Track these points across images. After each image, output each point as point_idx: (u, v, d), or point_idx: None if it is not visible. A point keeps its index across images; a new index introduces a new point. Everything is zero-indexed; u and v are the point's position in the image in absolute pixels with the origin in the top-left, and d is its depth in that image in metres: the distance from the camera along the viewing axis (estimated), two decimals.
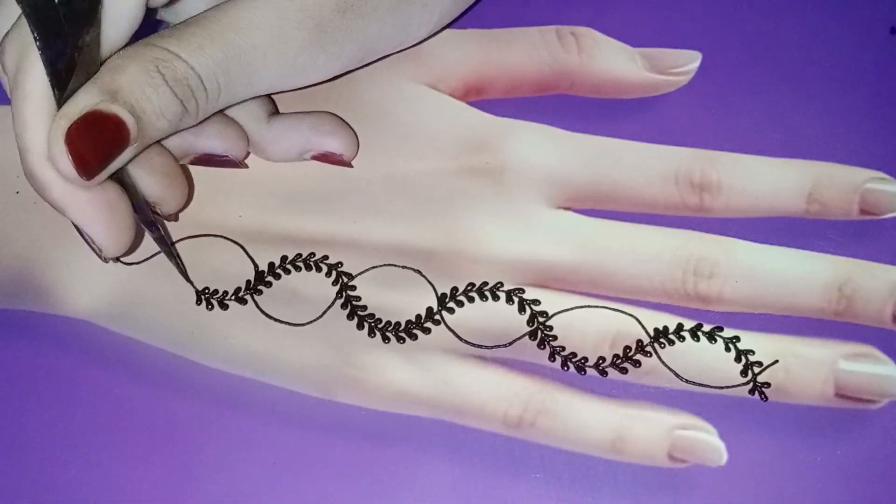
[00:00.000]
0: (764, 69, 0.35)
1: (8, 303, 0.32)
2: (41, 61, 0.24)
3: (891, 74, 0.35)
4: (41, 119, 0.25)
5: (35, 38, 0.23)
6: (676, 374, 0.30)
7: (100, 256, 0.28)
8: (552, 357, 0.31)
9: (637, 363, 0.31)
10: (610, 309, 0.31)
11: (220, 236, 0.32)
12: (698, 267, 0.32)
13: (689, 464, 0.29)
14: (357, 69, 0.31)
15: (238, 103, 0.29)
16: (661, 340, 0.31)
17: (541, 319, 0.31)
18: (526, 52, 0.35)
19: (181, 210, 0.31)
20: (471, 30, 0.35)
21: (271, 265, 0.32)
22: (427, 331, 0.31)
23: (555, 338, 0.31)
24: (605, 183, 0.33)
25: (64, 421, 0.30)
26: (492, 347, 0.31)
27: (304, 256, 0.32)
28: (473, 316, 0.31)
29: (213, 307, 0.31)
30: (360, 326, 0.31)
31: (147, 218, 0.29)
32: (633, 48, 0.35)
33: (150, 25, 0.27)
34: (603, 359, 0.31)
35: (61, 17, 0.23)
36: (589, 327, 0.31)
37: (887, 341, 0.31)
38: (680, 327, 0.31)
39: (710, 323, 0.31)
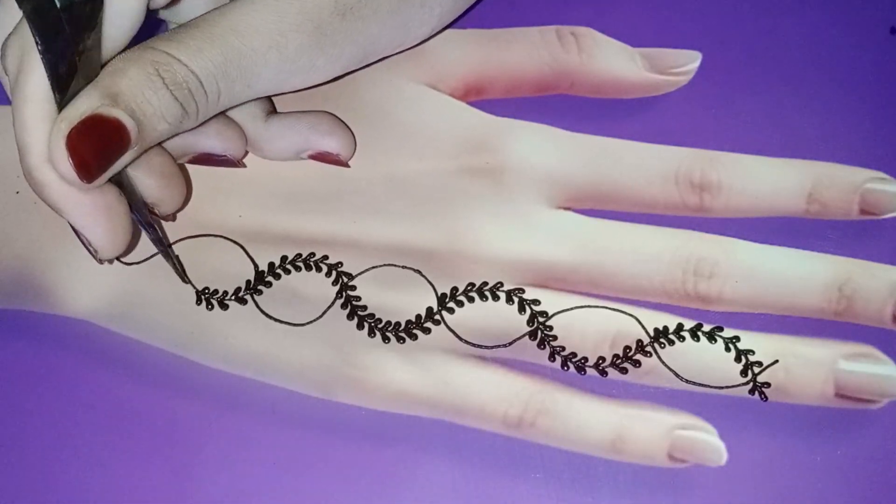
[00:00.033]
0: (764, 69, 0.35)
1: (8, 303, 0.32)
2: (42, 64, 0.24)
3: (891, 74, 0.35)
4: (41, 121, 0.25)
5: (37, 41, 0.23)
6: (676, 374, 0.30)
7: (95, 258, 0.28)
8: (552, 357, 0.31)
9: (637, 363, 0.31)
10: (610, 309, 0.31)
11: (220, 236, 0.32)
12: (698, 267, 0.32)
13: (689, 464, 0.29)
14: (357, 70, 0.31)
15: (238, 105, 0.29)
16: (661, 340, 0.31)
17: (541, 319, 0.31)
18: (526, 52, 0.35)
19: (179, 211, 0.31)
20: (471, 30, 0.35)
21: (271, 265, 0.32)
22: (427, 331, 0.31)
23: (555, 338, 0.31)
24: (606, 183, 0.33)
25: (64, 421, 0.30)
26: (492, 347, 0.31)
27: (304, 256, 0.32)
28: (473, 316, 0.31)
29: (213, 307, 0.31)
30: (360, 326, 0.31)
31: (145, 219, 0.29)
32: (633, 48, 0.35)
33: (151, 26, 0.27)
34: (603, 359, 0.31)
35: (63, 22, 0.23)
36: (589, 327, 0.31)
37: (887, 341, 0.31)
38: (680, 327, 0.31)
39: (710, 323, 0.31)
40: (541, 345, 0.31)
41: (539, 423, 0.30)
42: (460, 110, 0.34)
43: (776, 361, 0.30)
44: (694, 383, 0.30)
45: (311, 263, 0.32)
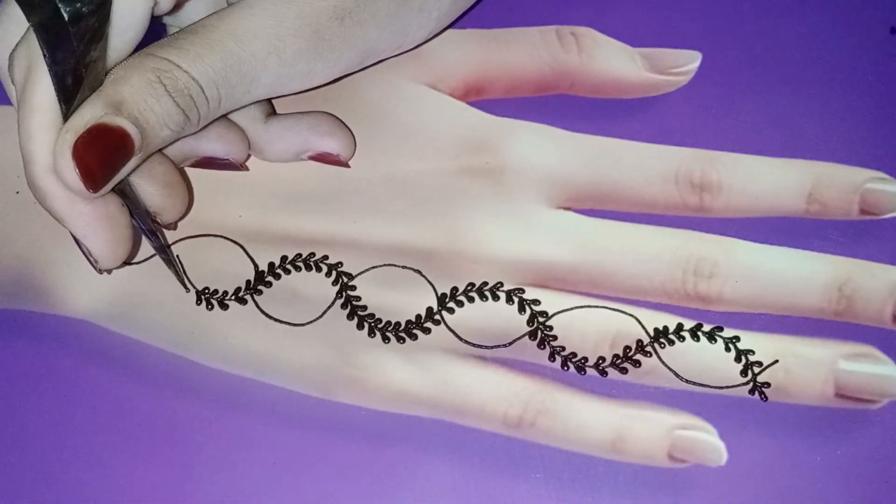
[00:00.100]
0: (764, 69, 0.35)
1: (8, 303, 0.32)
2: (49, 75, 0.24)
3: (891, 74, 0.35)
4: (47, 131, 0.26)
5: (44, 53, 0.23)
6: (676, 374, 0.30)
7: (95, 268, 0.28)
8: (552, 357, 0.31)
9: (637, 363, 0.31)
10: (610, 309, 0.31)
11: (220, 236, 0.32)
12: (698, 267, 0.32)
13: (689, 464, 0.29)
14: (356, 72, 0.31)
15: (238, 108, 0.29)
16: (661, 340, 0.31)
17: (541, 319, 0.31)
18: (526, 52, 0.35)
19: (181, 219, 0.31)
20: (471, 30, 0.35)
21: (271, 265, 0.32)
22: (427, 331, 0.31)
23: (555, 338, 0.31)
24: (606, 183, 0.33)
25: (64, 421, 0.30)
26: (492, 347, 0.31)
27: (304, 256, 0.32)
28: (473, 316, 0.31)
29: (213, 307, 0.31)
30: (360, 326, 0.31)
31: (147, 227, 0.29)
32: (633, 48, 0.35)
33: (152, 28, 0.27)
34: (603, 359, 0.31)
35: (71, 35, 0.23)
36: (589, 327, 0.31)
37: (887, 341, 0.31)
38: (680, 327, 0.31)
39: (710, 323, 0.31)
40: (541, 345, 0.31)
41: (539, 423, 0.30)
42: (460, 110, 0.34)
43: (776, 361, 0.30)
44: (694, 383, 0.30)
45: (311, 263, 0.32)
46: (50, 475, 0.30)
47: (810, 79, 0.34)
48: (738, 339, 0.31)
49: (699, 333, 0.31)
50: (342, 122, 0.32)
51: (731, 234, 0.32)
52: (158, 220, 0.30)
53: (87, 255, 0.28)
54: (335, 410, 0.30)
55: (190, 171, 0.32)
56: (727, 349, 0.31)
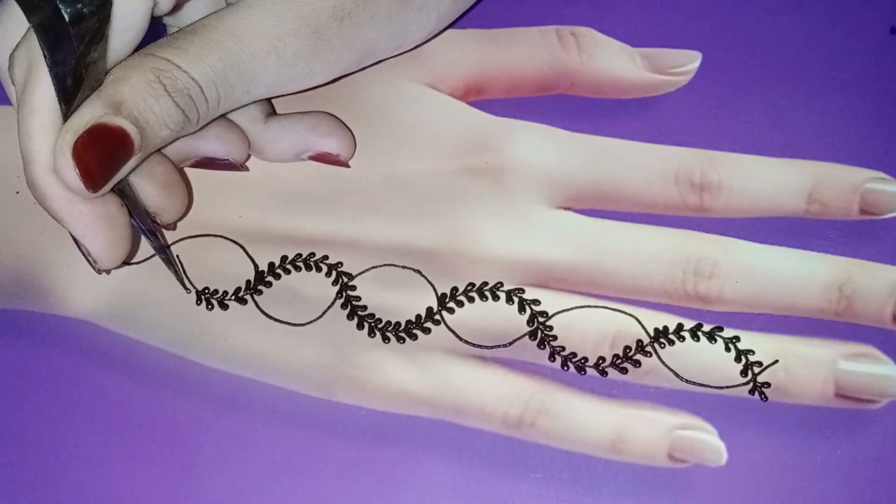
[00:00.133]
0: (764, 69, 0.35)
1: (8, 303, 0.32)
2: (49, 76, 0.24)
3: (891, 74, 0.35)
4: (47, 131, 0.26)
5: (45, 54, 0.23)
6: (676, 374, 0.30)
7: (94, 268, 0.28)
8: (552, 357, 0.31)
9: (637, 363, 0.31)
10: (610, 309, 0.31)
11: (220, 236, 0.32)
12: (698, 267, 0.32)
13: (689, 464, 0.29)
14: (355, 72, 0.31)
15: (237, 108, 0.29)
16: (661, 340, 0.31)
17: (541, 319, 0.31)
18: (526, 52, 0.35)
19: (180, 220, 0.31)
20: (471, 30, 0.35)
21: (271, 265, 0.32)
22: (427, 331, 0.31)
23: (555, 338, 0.31)
24: (606, 183, 0.33)
25: (64, 421, 0.30)
26: (492, 347, 0.31)
27: (304, 256, 0.32)
28: (473, 316, 0.31)
29: (213, 307, 0.31)
30: (360, 326, 0.31)
31: (147, 227, 0.29)
32: (633, 48, 0.35)
33: (152, 29, 0.27)
34: (603, 359, 0.31)
35: (71, 36, 0.23)
36: (589, 327, 0.31)
37: (887, 341, 0.31)
38: (680, 327, 0.31)
39: (710, 323, 0.31)
40: (541, 345, 0.31)
41: (539, 423, 0.30)
42: (460, 110, 0.34)
43: (776, 361, 0.30)
44: (694, 383, 0.30)
45: (311, 263, 0.32)
46: (50, 475, 0.30)
47: (810, 79, 0.34)
48: (738, 339, 0.31)
49: (699, 333, 0.31)
50: (342, 122, 0.32)
51: (731, 234, 0.32)
52: (158, 221, 0.30)
53: (86, 255, 0.28)
54: (335, 410, 0.30)
55: (190, 172, 0.32)
56: (727, 349, 0.31)
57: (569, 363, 0.31)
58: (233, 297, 0.31)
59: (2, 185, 0.33)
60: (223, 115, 0.29)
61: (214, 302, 0.31)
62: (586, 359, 0.31)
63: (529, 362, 0.31)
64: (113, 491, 0.29)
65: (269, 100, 0.32)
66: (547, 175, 0.33)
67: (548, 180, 0.33)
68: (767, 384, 0.30)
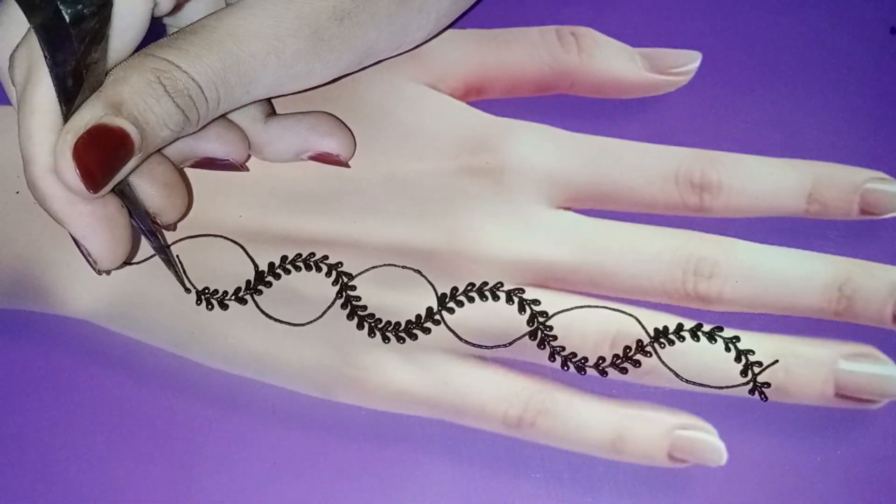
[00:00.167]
0: (764, 69, 0.35)
1: (8, 303, 0.32)
2: (49, 76, 0.24)
3: (891, 74, 0.35)
4: (47, 132, 0.26)
5: (45, 55, 0.23)
6: (676, 374, 0.30)
7: (94, 269, 0.28)
8: (552, 357, 0.31)
9: (637, 363, 0.31)
10: (610, 309, 0.31)
11: (220, 236, 0.32)
12: (698, 267, 0.32)
13: (689, 464, 0.29)
14: (355, 72, 0.31)
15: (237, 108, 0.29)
16: (661, 340, 0.31)
17: (541, 319, 0.31)
18: (526, 52, 0.35)
19: (181, 220, 0.31)
20: (471, 30, 0.35)
21: (271, 265, 0.32)
22: (427, 331, 0.31)
23: (555, 338, 0.31)
24: (605, 183, 0.33)
25: (64, 421, 0.30)
26: (492, 347, 0.31)
27: (304, 256, 0.32)
28: (473, 316, 0.31)
29: (213, 307, 0.31)
30: (360, 326, 0.31)
31: (147, 227, 0.29)
32: (633, 48, 0.35)
33: (152, 29, 0.27)
34: (603, 359, 0.31)
35: (72, 36, 0.23)
36: (589, 327, 0.31)
37: (887, 341, 0.31)
38: (680, 327, 0.31)
39: (710, 323, 0.31)
40: (541, 345, 0.31)
41: (539, 423, 0.30)
42: (460, 110, 0.34)
43: (776, 361, 0.30)
44: (694, 383, 0.30)
45: (311, 263, 0.32)
46: (50, 475, 0.30)
47: (810, 79, 0.34)
48: (738, 339, 0.31)
49: (699, 333, 0.31)
50: (342, 122, 0.32)
51: (731, 234, 0.32)
52: (158, 221, 0.30)
53: (86, 256, 0.28)
54: (335, 410, 0.30)
55: (190, 172, 0.32)
56: (727, 349, 0.31)
57: (569, 363, 0.31)
58: (233, 297, 0.31)
59: (2, 186, 0.33)
60: (223, 116, 0.29)
61: (214, 302, 0.31)
62: (586, 359, 0.31)
63: (529, 362, 0.31)
64: (113, 491, 0.29)
65: (269, 100, 0.32)
66: (547, 175, 0.33)
67: (548, 180, 0.33)
68: (767, 384, 0.30)
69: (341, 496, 0.29)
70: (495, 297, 0.31)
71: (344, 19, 0.28)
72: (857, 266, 0.32)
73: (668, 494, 0.29)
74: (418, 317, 0.31)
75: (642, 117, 0.34)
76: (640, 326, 0.31)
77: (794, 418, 0.30)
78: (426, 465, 0.30)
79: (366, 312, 0.31)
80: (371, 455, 0.30)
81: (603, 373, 0.31)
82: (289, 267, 0.32)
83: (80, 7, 0.22)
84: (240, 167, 0.32)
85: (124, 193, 0.28)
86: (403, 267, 0.32)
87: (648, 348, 0.31)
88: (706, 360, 0.31)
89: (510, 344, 0.31)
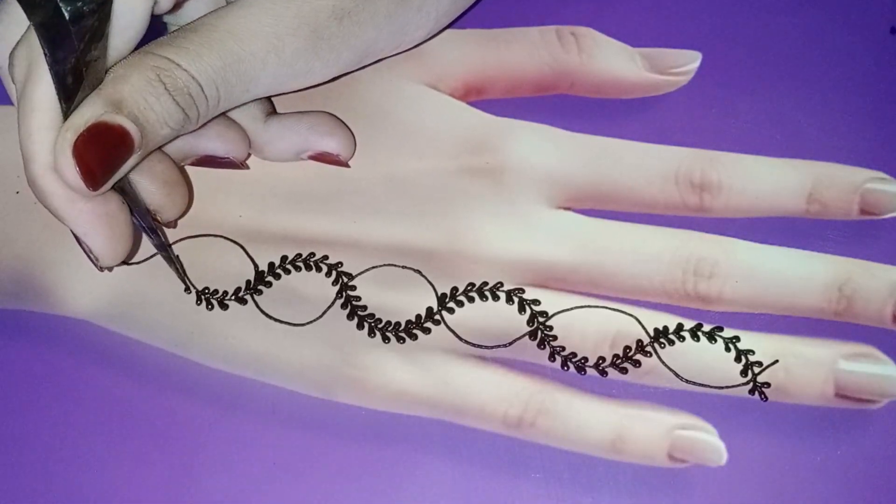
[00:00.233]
0: (764, 69, 0.35)
1: (8, 303, 0.32)
2: (49, 74, 0.24)
3: (891, 74, 0.35)
4: (47, 130, 0.26)
5: (45, 53, 0.23)
6: (676, 374, 0.30)
7: (96, 265, 0.28)
8: (552, 357, 0.31)
9: (637, 363, 0.31)
10: (610, 309, 0.31)
11: (220, 236, 0.32)
12: (698, 267, 0.32)
13: (689, 464, 0.29)
14: (355, 70, 0.31)
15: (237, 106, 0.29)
16: (661, 340, 0.31)
17: (541, 319, 0.31)
18: (526, 52, 0.35)
19: (181, 217, 0.31)
20: (471, 30, 0.35)
21: (271, 265, 0.32)
22: (427, 331, 0.31)
23: (555, 338, 0.31)
24: (606, 183, 0.33)
25: (64, 421, 0.30)
26: (492, 347, 0.31)
27: (304, 256, 0.32)
28: (473, 316, 0.31)
29: (213, 307, 0.31)
30: (360, 326, 0.31)
31: (148, 224, 0.29)
32: (633, 48, 0.35)
33: (152, 27, 0.27)
34: (603, 359, 0.31)
35: (72, 34, 0.23)
36: (589, 327, 0.31)
37: (887, 341, 0.31)
38: (680, 327, 0.31)
39: (710, 323, 0.31)
40: (541, 345, 0.31)
41: (539, 423, 0.30)
42: (460, 110, 0.34)
43: (776, 361, 0.30)
44: (694, 383, 0.30)
45: (311, 263, 0.32)
46: (50, 475, 0.30)
47: (810, 79, 0.34)
48: (738, 339, 0.31)
49: (699, 333, 0.31)
50: (342, 121, 0.32)
51: (731, 234, 0.32)
52: (159, 218, 0.30)
53: (87, 252, 0.28)
54: (335, 410, 0.30)
55: (190, 171, 0.32)
56: (727, 349, 0.31)
57: (569, 363, 0.31)
58: (233, 297, 0.31)
59: (2, 185, 0.33)
60: (223, 114, 0.29)
61: (214, 302, 0.31)
62: (586, 359, 0.31)
63: (529, 362, 0.31)
64: (113, 491, 0.29)
65: (269, 99, 0.32)
66: (547, 175, 0.33)
67: (548, 180, 0.33)
68: (767, 384, 0.30)
69: (341, 496, 0.29)
70: (495, 297, 0.31)
71: (344, 18, 0.28)
72: (857, 266, 0.32)
73: (668, 494, 0.29)
74: (418, 317, 0.31)
75: (642, 117, 0.34)
76: (640, 326, 0.31)
77: (794, 418, 0.30)
78: (426, 465, 0.30)
79: (366, 312, 0.31)
80: (371, 455, 0.30)
81: (603, 373, 0.31)
82: (289, 267, 0.32)
83: (79, 5, 0.22)
84: (240, 165, 0.32)
85: (125, 191, 0.28)
86: (403, 267, 0.32)
87: (648, 348, 0.31)
88: (706, 360, 0.31)
89: (510, 344, 0.31)
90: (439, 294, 0.31)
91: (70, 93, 0.25)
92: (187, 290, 0.31)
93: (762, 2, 0.36)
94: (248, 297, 0.31)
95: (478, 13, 0.35)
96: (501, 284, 0.31)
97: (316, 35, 0.28)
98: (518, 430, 0.30)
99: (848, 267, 0.32)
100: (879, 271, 0.32)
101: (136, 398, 0.30)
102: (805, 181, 0.33)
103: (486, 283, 0.31)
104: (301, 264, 0.32)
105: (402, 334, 0.31)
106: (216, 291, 0.31)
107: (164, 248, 0.31)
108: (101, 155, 0.25)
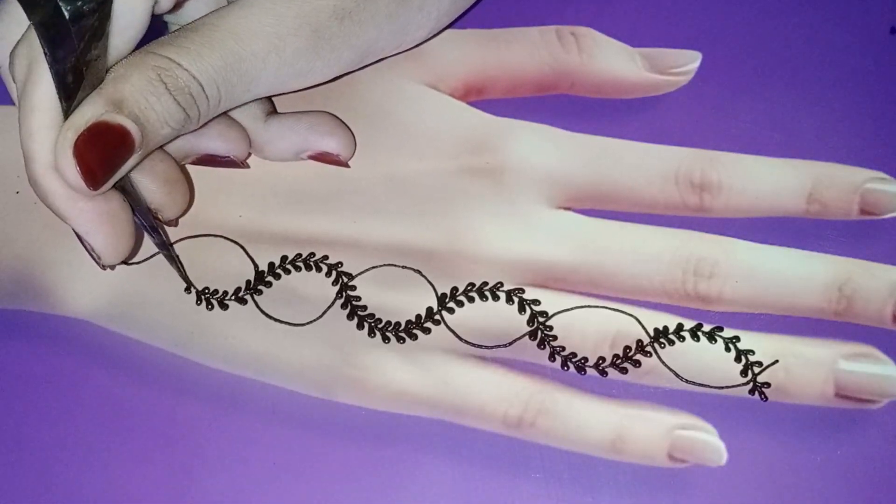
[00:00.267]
0: (764, 69, 0.35)
1: (8, 303, 0.32)
2: (50, 74, 0.24)
3: (891, 74, 0.35)
4: (48, 129, 0.26)
5: (45, 52, 0.23)
6: (676, 374, 0.30)
7: (98, 264, 0.28)
8: (552, 357, 0.31)
9: (637, 363, 0.31)
10: (610, 309, 0.31)
11: (220, 236, 0.32)
12: (698, 267, 0.32)
13: (689, 464, 0.29)
14: (355, 70, 0.31)
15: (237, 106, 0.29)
16: (661, 340, 0.31)
17: (541, 319, 0.31)
18: (526, 51, 0.35)
19: (182, 216, 0.31)
20: (471, 30, 0.35)
21: (271, 265, 0.32)
22: (427, 331, 0.31)
23: (555, 338, 0.31)
24: (606, 183, 0.33)
25: (64, 421, 0.30)
26: (492, 347, 0.31)
27: (304, 256, 0.32)
28: (473, 316, 0.31)
29: (213, 307, 0.31)
30: (360, 326, 0.31)
31: (149, 223, 0.29)
32: (633, 48, 0.35)
33: (153, 27, 0.27)
34: (603, 359, 0.31)
35: (72, 34, 0.23)
36: (589, 327, 0.31)
37: (887, 341, 0.31)
38: (680, 327, 0.31)
39: (710, 323, 0.31)
40: (541, 345, 0.31)
41: (539, 423, 0.30)
42: (460, 110, 0.34)
43: (776, 361, 0.30)
44: (694, 383, 0.30)
45: (311, 263, 0.32)
46: (50, 475, 0.30)
47: (810, 79, 0.34)
48: (738, 339, 0.31)
49: (699, 333, 0.31)
50: (342, 121, 0.32)
51: (731, 234, 0.32)
52: (160, 217, 0.30)
53: (89, 251, 0.28)
54: (335, 410, 0.30)
55: (190, 171, 0.32)
56: (727, 349, 0.31)
57: (569, 363, 0.31)
58: (233, 297, 0.31)
59: (2, 185, 0.33)
60: (224, 113, 0.29)
61: (214, 302, 0.31)
62: (586, 359, 0.31)
63: (529, 362, 0.31)
64: (113, 491, 0.29)
65: (269, 98, 0.32)
66: (547, 175, 0.33)
67: (548, 180, 0.33)
68: (767, 384, 0.30)
69: (341, 496, 0.29)
70: (495, 297, 0.31)
71: (344, 18, 0.28)
72: (857, 266, 0.32)
73: (668, 494, 0.29)
74: (418, 317, 0.31)
75: (642, 117, 0.34)
76: (640, 326, 0.31)
77: (794, 418, 0.30)
78: (426, 465, 0.30)
79: (366, 312, 0.31)
80: (371, 455, 0.30)
81: (603, 373, 0.31)
82: (289, 267, 0.32)
83: (79, 4, 0.22)
84: (241, 164, 0.32)
85: (126, 190, 0.28)
86: (403, 267, 0.32)
87: (648, 348, 0.31)
88: (706, 360, 0.31)
89: (510, 344, 0.31)
90: (439, 294, 0.31)
91: (70, 92, 0.25)
92: (188, 289, 0.31)
93: (762, 2, 0.36)
94: (248, 297, 0.31)
95: (478, 13, 0.35)
96: (501, 284, 0.31)
97: (317, 35, 0.28)
98: (518, 430, 0.30)
99: (848, 267, 0.32)
100: (879, 271, 0.32)
101: (136, 398, 0.30)
102: (805, 181, 0.33)
103: (486, 283, 0.31)
104: (301, 264, 0.32)
105: (402, 334, 0.31)
106: (216, 291, 0.31)
107: (166, 247, 0.31)
108: (102, 154, 0.25)
